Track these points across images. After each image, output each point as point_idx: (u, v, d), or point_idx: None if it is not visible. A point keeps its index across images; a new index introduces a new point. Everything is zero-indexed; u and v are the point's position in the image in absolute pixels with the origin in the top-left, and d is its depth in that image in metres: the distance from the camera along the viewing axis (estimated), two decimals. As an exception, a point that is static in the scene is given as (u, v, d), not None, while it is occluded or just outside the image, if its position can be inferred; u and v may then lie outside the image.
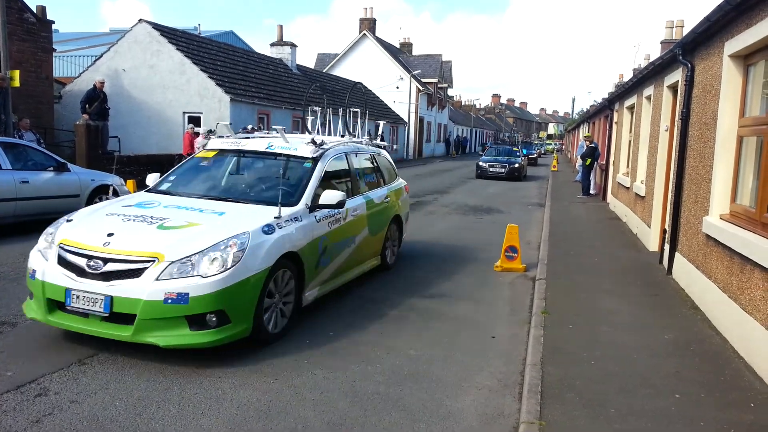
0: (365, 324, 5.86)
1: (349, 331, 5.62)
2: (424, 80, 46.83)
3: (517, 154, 28.24)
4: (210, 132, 16.94)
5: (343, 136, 8.15)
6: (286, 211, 5.41)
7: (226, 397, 4.15)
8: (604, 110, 20.79)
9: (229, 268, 4.59)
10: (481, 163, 26.99)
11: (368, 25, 45.75)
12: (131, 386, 4.23)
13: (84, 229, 5.00)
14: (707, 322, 5.96)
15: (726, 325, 5.56)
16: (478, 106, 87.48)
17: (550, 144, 74.60)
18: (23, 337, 5.10)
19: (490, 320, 6.21)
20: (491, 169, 26.22)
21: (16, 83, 13.74)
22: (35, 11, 18.82)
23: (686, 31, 9.02)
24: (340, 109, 8.71)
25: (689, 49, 7.74)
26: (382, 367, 4.80)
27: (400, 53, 50.46)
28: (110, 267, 4.58)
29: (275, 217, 5.23)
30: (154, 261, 4.55)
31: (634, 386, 4.39)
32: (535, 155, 43.38)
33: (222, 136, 7.39)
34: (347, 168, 7.10)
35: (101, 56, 21.66)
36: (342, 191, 6.12)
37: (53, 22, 19.68)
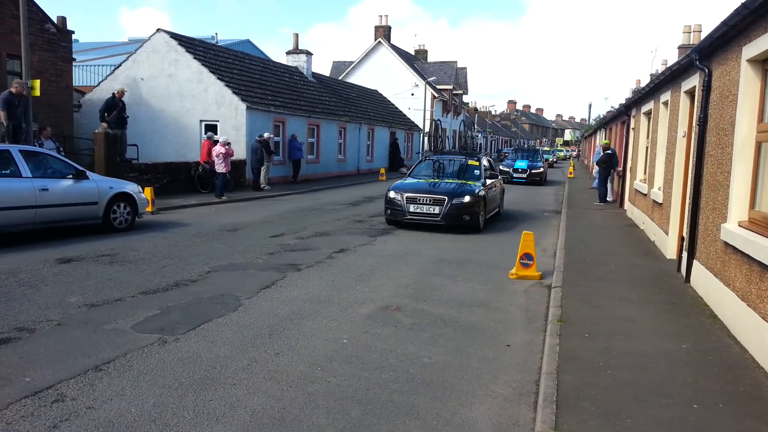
0: (379, 331, 5.86)
1: (363, 338, 5.62)
2: (439, 87, 46.90)
3: (476, 174, 13.90)
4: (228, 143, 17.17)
5: None
6: None
7: (240, 404, 4.17)
8: (621, 116, 20.64)
9: None
10: (392, 195, 12.97)
11: (383, 32, 45.96)
12: (147, 393, 4.27)
13: None
14: (726, 331, 5.87)
15: (745, 335, 5.47)
16: (493, 113, 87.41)
17: (562, 151, 69.91)
18: (41, 344, 5.16)
19: (505, 328, 6.17)
20: (411, 209, 12.55)
21: (37, 92, 13.98)
22: (56, 22, 19.17)
23: (703, 35, 8.94)
24: None
25: (706, 54, 7.67)
26: (396, 375, 4.79)
27: (415, 60, 50.61)
28: None
29: None
30: None
31: (650, 396, 4.34)
32: (541, 169, 28.19)
33: None
34: None
35: (120, 65, 21.98)
36: None
37: (73, 32, 20.05)
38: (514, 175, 27.70)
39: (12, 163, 9.39)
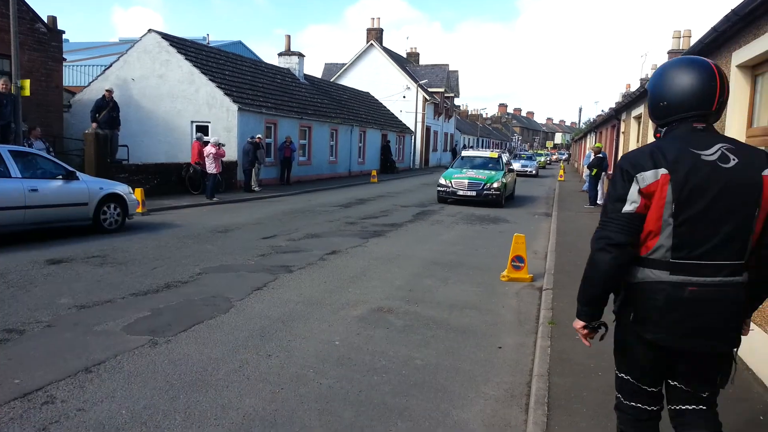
0: (371, 333, 5.86)
1: (356, 340, 5.62)
2: (430, 90, 46.99)
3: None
4: (220, 144, 17.10)
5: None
6: None
7: (232, 405, 4.15)
8: (611, 120, 20.78)
9: None
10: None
11: (375, 35, 45.99)
12: (137, 395, 4.24)
13: None
14: (716, 334, 5.91)
15: (735, 337, 5.50)
16: (484, 116, 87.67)
17: (542, 155, 64.28)
18: (31, 345, 5.12)
19: (497, 330, 6.19)
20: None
21: (27, 92, 13.88)
22: (46, 21, 19.04)
23: (693, 41, 9.01)
24: None
25: (696, 59, 7.72)
26: (388, 377, 4.79)
27: (407, 63, 50.70)
28: None
29: None
30: None
31: (641, 398, 4.35)
32: None
33: None
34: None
35: (111, 66, 21.86)
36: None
37: (64, 32, 19.90)
38: None
39: (1, 163, 9.31)
